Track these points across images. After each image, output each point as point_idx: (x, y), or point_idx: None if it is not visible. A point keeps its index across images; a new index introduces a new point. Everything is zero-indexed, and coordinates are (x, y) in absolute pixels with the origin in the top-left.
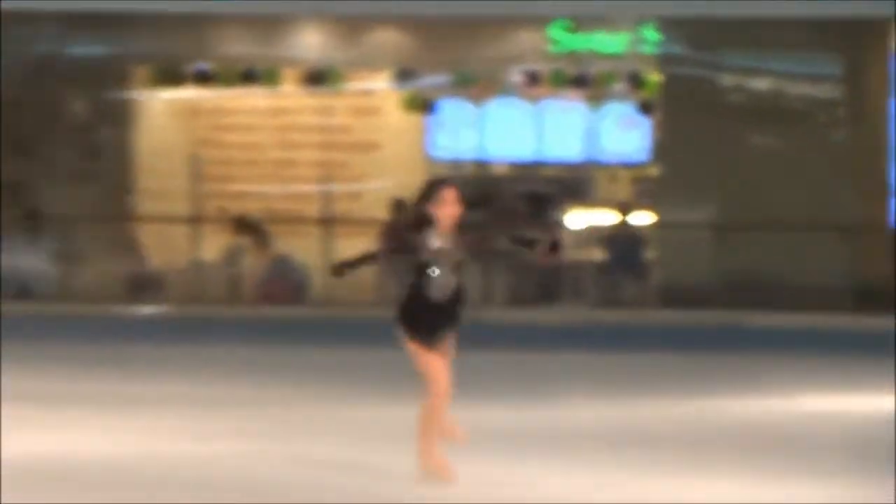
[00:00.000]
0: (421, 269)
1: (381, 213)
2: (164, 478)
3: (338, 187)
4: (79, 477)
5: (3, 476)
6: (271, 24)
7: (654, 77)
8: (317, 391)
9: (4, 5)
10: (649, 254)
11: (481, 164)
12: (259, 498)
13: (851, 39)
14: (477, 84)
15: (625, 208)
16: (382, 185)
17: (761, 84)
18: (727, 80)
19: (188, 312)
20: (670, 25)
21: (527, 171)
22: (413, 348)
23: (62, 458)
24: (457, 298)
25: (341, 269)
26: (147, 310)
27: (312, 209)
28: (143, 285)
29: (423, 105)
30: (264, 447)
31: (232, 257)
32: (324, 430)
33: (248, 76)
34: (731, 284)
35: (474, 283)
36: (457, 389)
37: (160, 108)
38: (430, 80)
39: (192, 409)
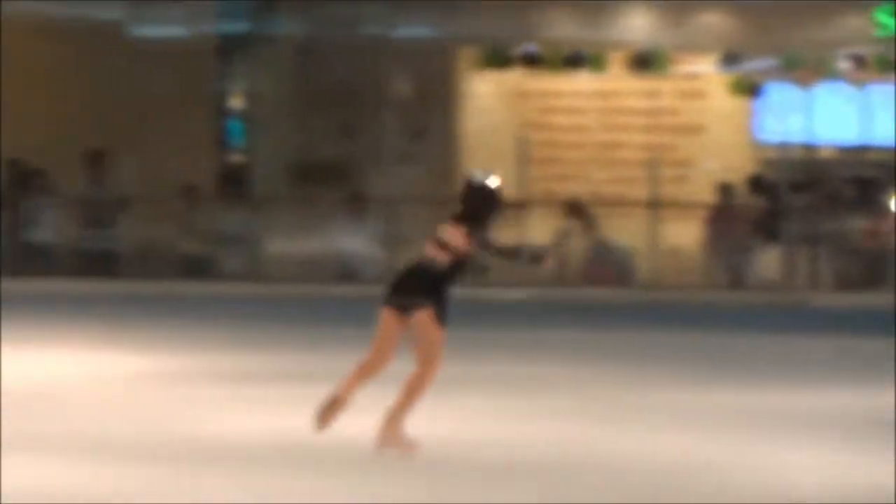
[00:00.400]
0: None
1: (708, 196)
2: (480, 458)
3: (664, 170)
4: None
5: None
6: (599, 7)
7: None
8: (647, 374)
9: None
10: None
11: (808, 148)
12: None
13: None
14: (803, 68)
15: None
16: (709, 168)
17: None
18: None
19: (514, 295)
20: None
21: (853, 155)
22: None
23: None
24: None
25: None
26: (472, 292)
27: (638, 192)
28: (471, 268)
29: (749, 88)
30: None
31: (561, 240)
32: (670, 414)
33: (575, 59)
34: None
35: (802, 267)
36: (785, 373)
37: (486, 90)
38: (755, 64)
39: (509, 389)
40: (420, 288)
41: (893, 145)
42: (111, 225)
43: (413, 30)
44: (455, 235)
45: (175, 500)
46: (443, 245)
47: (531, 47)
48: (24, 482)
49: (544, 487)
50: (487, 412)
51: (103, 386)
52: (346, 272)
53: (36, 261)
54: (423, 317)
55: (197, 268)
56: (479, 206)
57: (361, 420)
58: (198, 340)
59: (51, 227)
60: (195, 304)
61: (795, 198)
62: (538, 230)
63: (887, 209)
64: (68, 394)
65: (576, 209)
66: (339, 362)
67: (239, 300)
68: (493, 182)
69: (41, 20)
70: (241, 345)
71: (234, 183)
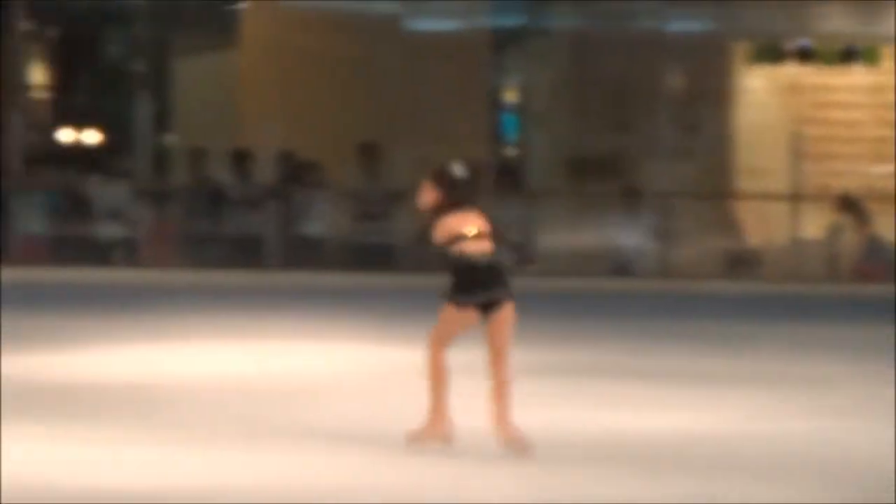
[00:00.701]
0: None
1: None
2: (765, 455)
3: None
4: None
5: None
6: (873, 2)
7: None
8: None
9: None
10: None
11: None
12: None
13: None
14: None
15: None
16: None
17: None
18: None
19: (785, 290)
20: None
21: None
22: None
23: (665, 435)
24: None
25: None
26: (743, 287)
27: None
28: (741, 262)
29: None
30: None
31: (834, 235)
32: None
33: (848, 54)
34: None
35: None
36: None
37: (759, 85)
38: None
39: (787, 387)
40: (502, 282)
41: None
42: (384, 218)
43: (687, 24)
44: (482, 223)
45: (443, 494)
46: (485, 236)
47: (805, 42)
48: (289, 470)
49: (824, 485)
50: (770, 407)
51: (373, 379)
52: (619, 266)
53: (308, 254)
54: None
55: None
56: (470, 193)
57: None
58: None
59: (323, 220)
60: None
61: None
62: (811, 225)
63: None
64: (338, 386)
65: (849, 204)
66: (618, 357)
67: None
68: (461, 170)
69: (319, 14)
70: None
71: (508, 176)
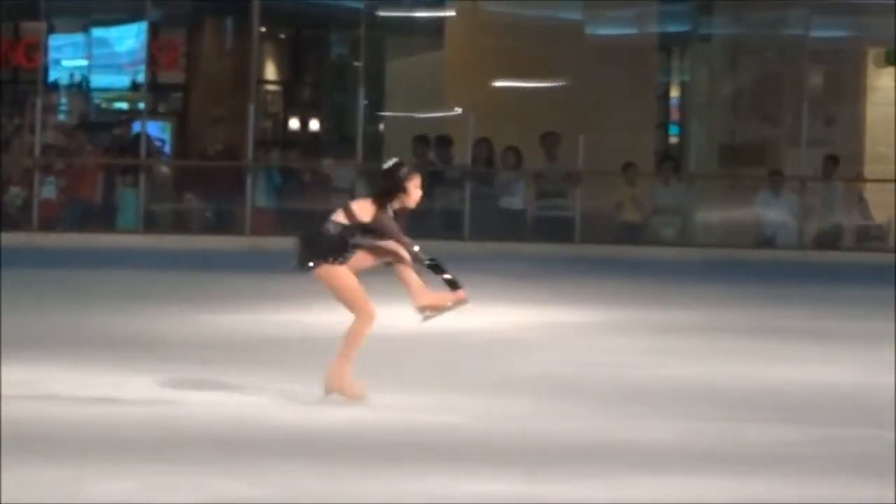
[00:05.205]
0: None
1: None
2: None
3: None
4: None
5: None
6: None
7: None
8: None
9: None
10: None
11: None
12: None
13: None
14: None
15: None
16: None
17: None
18: None
19: None
20: None
21: None
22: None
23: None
24: None
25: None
26: (871, 257)
27: None
28: (868, 236)
29: None
30: None
31: None
32: None
33: None
34: None
35: None
36: None
37: (888, 84)
38: None
39: None
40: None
41: None
42: (564, 195)
43: (827, 31)
44: (363, 208)
45: (604, 435)
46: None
47: None
48: (478, 419)
49: None
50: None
51: (553, 334)
52: (764, 239)
53: (506, 226)
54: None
55: (635, 235)
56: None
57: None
58: (632, 296)
59: (520, 196)
60: (632, 266)
61: None
62: None
63: None
64: (525, 341)
65: None
66: (749, 318)
67: (670, 263)
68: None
69: (513, 20)
70: (668, 301)
71: (670, 161)
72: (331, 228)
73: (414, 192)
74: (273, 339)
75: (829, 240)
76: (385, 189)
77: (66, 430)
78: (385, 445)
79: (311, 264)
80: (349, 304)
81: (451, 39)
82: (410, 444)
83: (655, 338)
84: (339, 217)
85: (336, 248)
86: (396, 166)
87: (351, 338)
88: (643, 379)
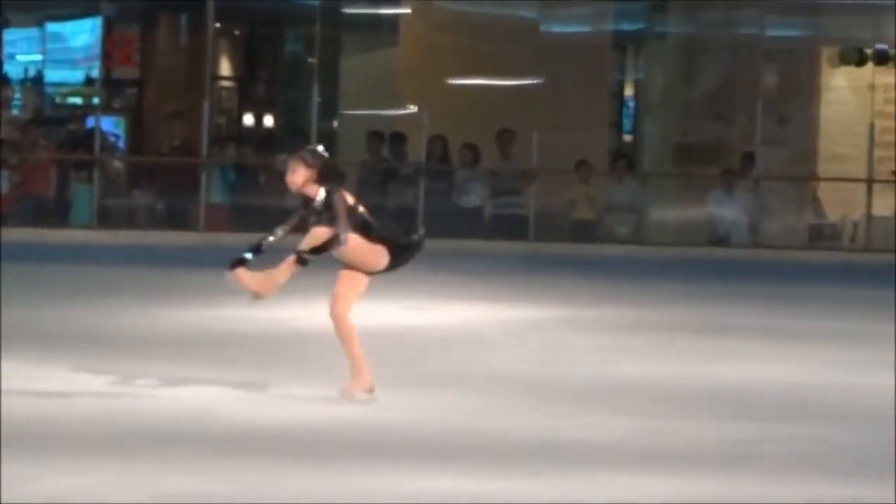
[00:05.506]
0: None
1: None
2: (833, 406)
3: None
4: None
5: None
6: None
7: None
8: None
9: None
10: None
11: None
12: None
13: None
14: None
15: None
16: None
17: None
18: None
19: (860, 259)
20: None
21: None
22: None
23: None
24: None
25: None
26: (823, 256)
27: None
28: (821, 235)
29: None
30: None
31: None
32: None
33: None
34: None
35: None
36: None
37: (841, 83)
38: None
39: (858, 342)
40: None
41: None
42: (518, 193)
43: (781, 31)
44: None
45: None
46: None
47: (882, 47)
48: (431, 415)
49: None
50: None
51: (508, 332)
52: (718, 237)
53: (461, 223)
54: None
55: (588, 233)
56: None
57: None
58: (586, 294)
59: (476, 194)
60: (586, 264)
61: None
62: (880, 204)
63: None
64: (479, 338)
65: None
66: (706, 316)
67: (624, 261)
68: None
69: (468, 18)
70: (622, 298)
71: (624, 159)
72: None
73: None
74: (228, 335)
75: (781, 238)
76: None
77: (22, 425)
78: (337, 442)
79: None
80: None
81: (405, 37)
82: (363, 441)
83: (610, 336)
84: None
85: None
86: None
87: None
88: (597, 377)
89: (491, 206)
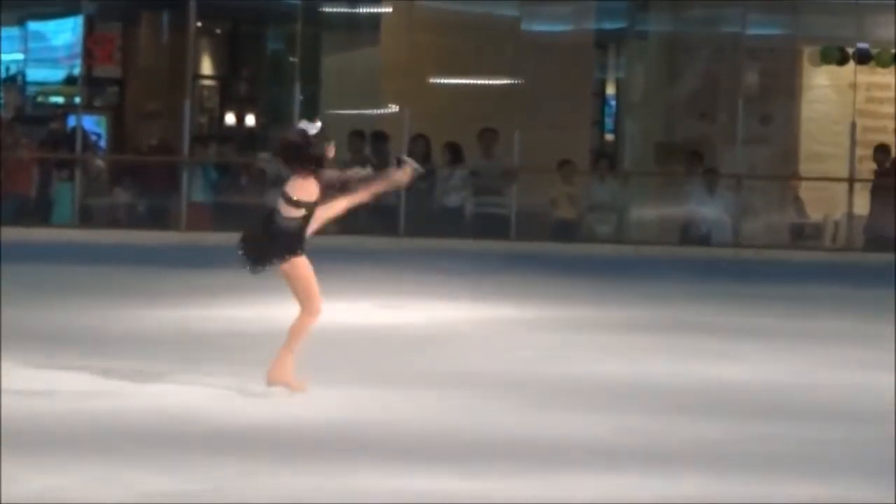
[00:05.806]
0: None
1: None
2: (815, 404)
3: None
4: (739, 400)
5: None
6: None
7: None
8: None
9: None
10: None
11: None
12: None
13: None
14: None
15: None
16: None
17: None
18: None
19: (842, 258)
20: None
21: None
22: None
23: (727, 384)
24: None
25: None
26: (806, 255)
27: None
28: (803, 234)
29: None
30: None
31: None
32: None
33: None
34: None
35: None
36: None
37: (823, 82)
38: None
39: (844, 342)
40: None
41: None
42: (500, 192)
43: (763, 30)
44: (306, 189)
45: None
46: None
47: (864, 45)
48: (410, 414)
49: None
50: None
51: (488, 330)
52: (699, 237)
53: (442, 222)
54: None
55: (570, 232)
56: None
57: None
58: (568, 293)
59: (459, 193)
60: (567, 263)
61: None
62: (862, 203)
63: None
64: (460, 337)
65: None
66: (684, 315)
67: (606, 260)
68: (311, 129)
69: (450, 17)
70: (604, 298)
71: (606, 158)
72: (284, 224)
73: (329, 154)
74: (208, 334)
75: (763, 237)
76: (312, 158)
77: (2, 424)
78: (317, 441)
79: (277, 262)
80: (304, 296)
81: (387, 35)
82: (342, 439)
83: (590, 334)
84: (289, 211)
85: (296, 241)
86: (310, 135)
87: (297, 331)
88: (577, 376)
89: (472, 205)
